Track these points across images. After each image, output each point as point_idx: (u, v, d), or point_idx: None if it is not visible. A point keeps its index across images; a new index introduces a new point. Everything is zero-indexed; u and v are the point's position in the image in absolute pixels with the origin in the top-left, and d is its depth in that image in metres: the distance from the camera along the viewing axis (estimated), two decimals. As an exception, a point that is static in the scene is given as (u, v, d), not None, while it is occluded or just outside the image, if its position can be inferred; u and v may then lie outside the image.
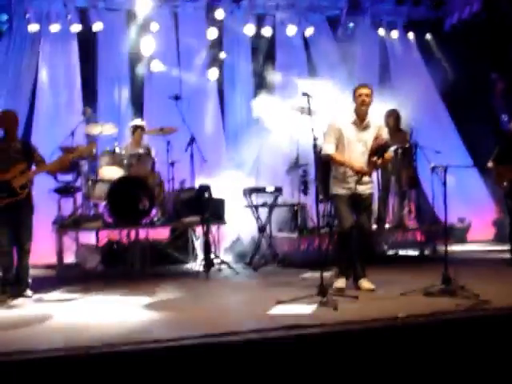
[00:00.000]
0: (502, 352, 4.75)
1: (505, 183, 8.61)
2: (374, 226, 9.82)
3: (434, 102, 12.86)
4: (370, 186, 6.75)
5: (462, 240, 11.99)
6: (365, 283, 6.61)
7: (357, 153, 6.58)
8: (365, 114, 6.64)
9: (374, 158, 6.48)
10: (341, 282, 6.40)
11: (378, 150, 6.47)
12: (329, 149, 6.62)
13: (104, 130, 9.71)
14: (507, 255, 8.77)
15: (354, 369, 4.53)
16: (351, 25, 12.59)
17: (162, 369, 4.14)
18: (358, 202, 6.63)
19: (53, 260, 8.91)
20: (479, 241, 12.05)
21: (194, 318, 5.41)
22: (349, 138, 6.56)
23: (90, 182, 9.14)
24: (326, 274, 6.30)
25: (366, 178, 6.57)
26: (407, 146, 9.72)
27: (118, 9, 11.66)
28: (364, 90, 6.62)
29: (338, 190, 6.62)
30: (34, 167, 6.83)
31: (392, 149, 6.78)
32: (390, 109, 10.03)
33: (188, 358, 4.26)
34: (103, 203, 9.12)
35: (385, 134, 6.74)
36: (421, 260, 9.59)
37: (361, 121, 6.63)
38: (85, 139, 9.96)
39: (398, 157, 9.63)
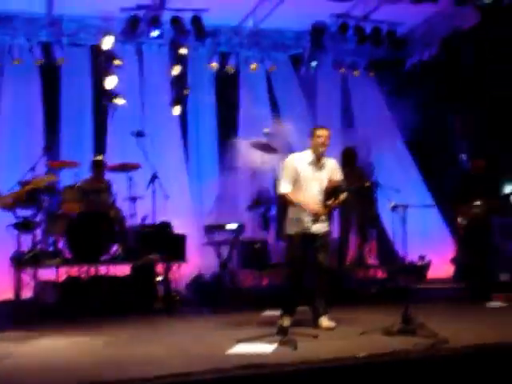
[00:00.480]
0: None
1: (464, 221, 8.73)
2: (335, 264, 9.87)
3: (396, 141, 13.06)
4: (325, 225, 6.78)
5: (423, 278, 12.06)
6: (325, 322, 6.61)
7: (313, 192, 6.65)
8: (322, 154, 6.74)
9: (330, 202, 6.56)
10: (286, 321, 6.37)
11: (332, 192, 6.56)
12: (285, 188, 6.69)
13: (65, 164, 9.65)
14: (466, 293, 8.85)
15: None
16: (314, 64, 12.74)
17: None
18: (314, 241, 6.67)
19: (10, 296, 8.76)
20: (439, 278, 12.14)
21: (150, 358, 5.34)
22: (305, 176, 6.64)
23: (49, 217, 9.04)
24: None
25: (321, 217, 6.62)
26: (368, 184, 9.80)
27: (82, 44, 11.67)
28: (324, 132, 6.73)
29: (291, 229, 6.66)
30: None
31: (351, 188, 6.84)
32: (349, 146, 10.17)
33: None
34: (63, 239, 9.02)
35: (338, 176, 6.85)
36: (382, 298, 9.61)
37: (317, 160, 6.74)
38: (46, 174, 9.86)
39: (358, 195, 9.72)
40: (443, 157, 12.56)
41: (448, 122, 12.37)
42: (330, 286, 6.78)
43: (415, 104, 11.94)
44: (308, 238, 6.64)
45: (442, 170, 12.22)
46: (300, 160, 6.73)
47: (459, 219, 8.82)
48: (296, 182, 6.64)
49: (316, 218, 6.51)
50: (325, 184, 6.68)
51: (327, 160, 6.84)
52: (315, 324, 6.66)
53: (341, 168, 10.00)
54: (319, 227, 6.66)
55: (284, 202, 6.92)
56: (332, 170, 6.82)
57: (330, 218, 6.95)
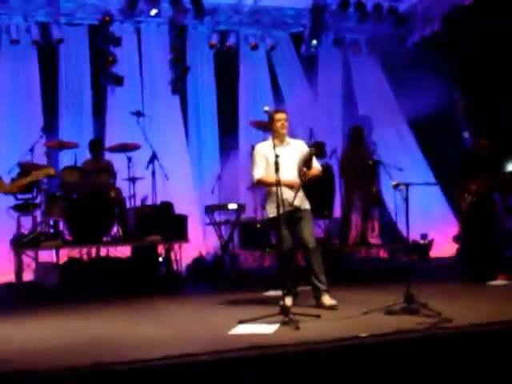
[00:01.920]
0: (463, 370, 4.73)
1: (468, 199, 8.66)
2: (337, 243, 9.84)
3: (397, 120, 12.97)
4: (306, 202, 6.80)
5: (425, 256, 12.04)
6: (327, 300, 6.56)
7: (285, 170, 6.55)
8: (284, 136, 6.77)
9: (304, 169, 6.60)
10: (287, 301, 6.30)
11: (305, 160, 6.62)
12: (258, 174, 6.74)
13: (64, 145, 9.59)
14: (470, 271, 8.80)
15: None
16: (314, 42, 12.60)
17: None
18: (296, 219, 6.67)
19: (12, 278, 8.74)
20: (442, 257, 12.12)
21: (152, 339, 5.30)
22: (273, 159, 6.54)
23: (49, 199, 8.98)
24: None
25: (300, 194, 6.62)
26: (371, 162, 9.75)
27: (80, 23, 11.58)
28: (282, 115, 6.74)
29: (273, 212, 6.48)
30: None
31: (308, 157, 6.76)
32: (354, 125, 10.09)
33: (145, 381, 4.15)
34: (63, 220, 8.97)
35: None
36: (384, 277, 9.56)
37: (281, 142, 6.74)
38: (45, 155, 9.78)
39: (361, 174, 9.67)
40: (446, 135, 12.47)
41: (451, 100, 12.28)
42: (323, 262, 6.72)
43: (417, 81, 11.84)
44: (290, 218, 6.61)
45: (445, 148, 12.15)
46: (265, 148, 6.71)
47: (464, 198, 8.73)
48: (268, 167, 6.60)
49: (296, 192, 6.53)
50: (295, 161, 6.73)
51: (292, 141, 6.89)
52: (318, 303, 6.62)
53: (347, 146, 10.02)
54: (300, 202, 6.67)
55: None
56: (301, 149, 6.85)
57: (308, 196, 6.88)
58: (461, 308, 6.16)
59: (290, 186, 6.58)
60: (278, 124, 6.68)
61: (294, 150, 6.79)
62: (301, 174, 6.64)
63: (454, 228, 12.71)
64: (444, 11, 11.93)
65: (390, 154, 11.32)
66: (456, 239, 12.46)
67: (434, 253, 12.38)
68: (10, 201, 8.77)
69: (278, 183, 6.15)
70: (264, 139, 7.48)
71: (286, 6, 12.54)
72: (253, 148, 7.39)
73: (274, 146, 6.34)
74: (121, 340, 5.35)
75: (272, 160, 6.36)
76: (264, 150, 6.72)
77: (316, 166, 6.82)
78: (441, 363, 4.74)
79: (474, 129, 11.92)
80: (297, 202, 6.62)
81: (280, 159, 6.30)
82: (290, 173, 6.66)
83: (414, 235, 11.84)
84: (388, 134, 12.52)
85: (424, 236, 12.33)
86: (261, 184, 6.88)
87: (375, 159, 9.75)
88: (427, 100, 11.80)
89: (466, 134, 12.37)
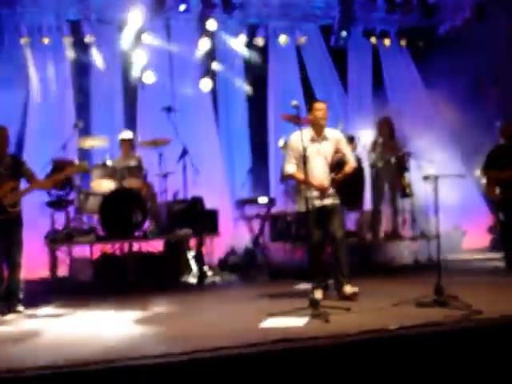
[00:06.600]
0: (492, 363, 4.71)
1: (496, 191, 8.58)
2: (368, 236, 9.81)
3: (428, 110, 12.84)
4: (334, 198, 6.83)
5: (458, 248, 11.93)
6: (347, 288, 6.64)
7: (318, 166, 6.72)
8: (322, 127, 6.79)
9: (332, 175, 6.72)
10: (317, 294, 6.31)
11: (335, 165, 6.74)
12: (290, 168, 6.81)
13: (96, 142, 9.69)
14: (502, 263, 8.74)
15: (346, 382, 4.49)
16: (344, 33, 12.55)
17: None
18: (325, 213, 6.74)
19: (46, 274, 8.87)
20: (475, 249, 12.00)
21: (184, 333, 5.37)
22: (309, 153, 6.54)
23: (82, 196, 9.10)
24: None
25: (330, 191, 6.73)
26: (400, 154, 9.71)
27: (111, 21, 11.64)
28: (322, 105, 6.80)
29: (302, 207, 6.66)
30: (25, 185, 6.84)
31: (341, 160, 6.81)
32: (383, 117, 10.03)
33: (177, 375, 4.21)
34: (96, 216, 9.08)
35: (344, 146, 6.92)
36: (415, 269, 9.52)
37: (318, 134, 6.77)
38: (77, 152, 9.91)
39: (391, 165, 9.62)
40: (478, 125, 12.32)
41: (483, 89, 12.13)
42: (347, 254, 6.78)
43: (448, 71, 11.72)
44: (319, 212, 6.69)
45: (477, 138, 12.00)
46: (299, 139, 6.56)
47: (492, 191, 8.67)
48: (300, 160, 6.53)
49: (322, 194, 6.66)
50: (329, 157, 6.79)
51: (329, 132, 6.88)
52: (339, 294, 6.68)
53: (376, 138, 9.96)
54: (327, 201, 6.75)
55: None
56: (336, 140, 6.87)
57: (338, 190, 6.89)
58: (492, 300, 6.11)
59: (319, 189, 6.66)
60: (320, 113, 6.72)
61: (330, 145, 6.82)
62: (332, 173, 6.74)
63: (487, 219, 12.57)
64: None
65: (422, 145, 11.23)
66: (490, 230, 12.34)
67: (467, 244, 12.27)
68: (44, 197, 8.90)
69: (306, 180, 6.34)
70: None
71: (315, -2, 12.51)
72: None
73: (313, 138, 6.56)
74: (158, 334, 5.43)
75: (306, 152, 6.44)
76: (299, 141, 6.44)
77: (350, 160, 6.90)
78: (471, 355, 4.73)
79: (507, 118, 11.75)
80: (325, 202, 6.72)
81: (312, 153, 6.49)
82: (322, 170, 6.74)
83: (447, 227, 11.74)
84: (419, 124, 12.41)
85: (456, 227, 12.21)
86: (291, 178, 7.05)
87: (406, 151, 9.71)
88: (458, 89, 11.68)
89: (497, 124, 12.21)
